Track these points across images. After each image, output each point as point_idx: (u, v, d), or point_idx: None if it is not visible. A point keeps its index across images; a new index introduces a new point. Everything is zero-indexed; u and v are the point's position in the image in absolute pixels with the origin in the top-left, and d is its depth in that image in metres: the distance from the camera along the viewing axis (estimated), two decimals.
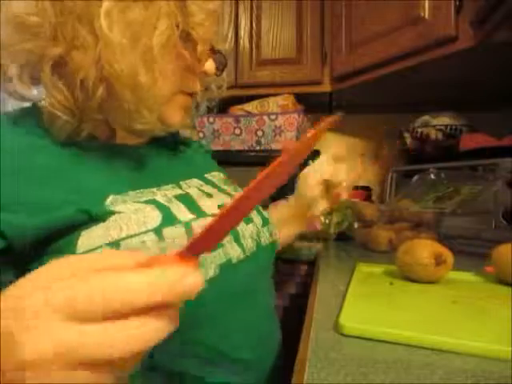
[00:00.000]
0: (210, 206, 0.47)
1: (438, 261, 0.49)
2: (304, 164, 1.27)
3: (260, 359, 0.46)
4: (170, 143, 0.56)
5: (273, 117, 1.33)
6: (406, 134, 1.20)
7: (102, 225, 0.37)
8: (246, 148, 1.39)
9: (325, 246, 0.96)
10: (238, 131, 1.38)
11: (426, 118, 1.16)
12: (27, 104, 0.45)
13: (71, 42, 0.38)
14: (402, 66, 1.03)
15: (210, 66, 0.48)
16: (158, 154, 0.52)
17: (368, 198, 1.38)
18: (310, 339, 0.34)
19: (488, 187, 0.76)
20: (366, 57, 1.11)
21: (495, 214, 0.73)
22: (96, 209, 0.37)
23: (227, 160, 1.34)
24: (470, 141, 0.97)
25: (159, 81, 0.41)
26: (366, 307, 0.40)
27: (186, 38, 0.44)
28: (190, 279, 0.20)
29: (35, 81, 0.41)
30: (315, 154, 1.30)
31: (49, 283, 0.20)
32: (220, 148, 1.41)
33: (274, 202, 1.14)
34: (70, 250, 0.35)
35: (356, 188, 1.39)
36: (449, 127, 1.10)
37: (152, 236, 0.38)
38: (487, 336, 0.33)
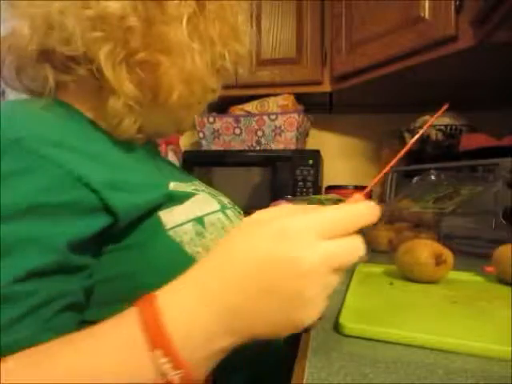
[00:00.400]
0: (225, 200, 0.51)
1: (438, 261, 0.49)
2: (304, 164, 1.27)
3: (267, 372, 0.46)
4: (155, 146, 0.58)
5: (273, 117, 1.33)
6: (406, 134, 1.20)
7: (181, 205, 0.41)
8: (246, 148, 1.39)
9: None
10: (238, 131, 1.38)
11: (426, 118, 1.16)
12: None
13: (159, 47, 0.40)
14: (402, 65, 1.03)
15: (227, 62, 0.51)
16: (158, 156, 0.54)
17: (368, 198, 1.38)
18: (310, 339, 0.34)
19: (488, 187, 0.76)
20: (366, 57, 1.11)
21: (495, 214, 0.73)
22: (170, 192, 0.41)
23: (227, 160, 1.34)
24: (470, 141, 0.97)
25: (214, 80, 0.47)
26: (366, 307, 0.40)
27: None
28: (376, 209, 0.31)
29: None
30: (315, 154, 1.30)
31: (294, 214, 0.29)
32: (220, 148, 1.41)
33: (273, 201, 1.14)
34: (158, 227, 0.38)
35: (356, 188, 1.39)
36: (449, 127, 1.10)
37: (222, 215, 0.44)
38: (487, 336, 0.33)
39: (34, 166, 0.31)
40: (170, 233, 0.38)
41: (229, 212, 0.47)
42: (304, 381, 0.27)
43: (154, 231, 0.38)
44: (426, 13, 0.94)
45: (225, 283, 0.28)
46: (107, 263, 0.36)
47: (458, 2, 0.87)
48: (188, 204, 0.42)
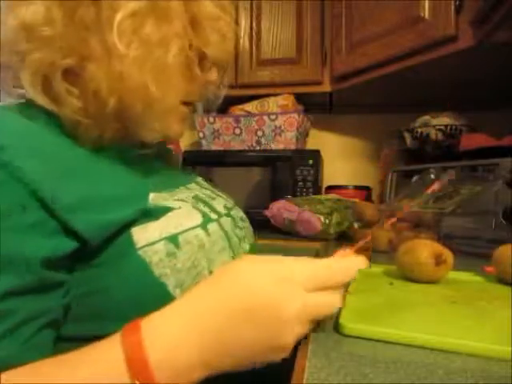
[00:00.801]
0: (219, 206, 0.50)
1: (438, 261, 0.49)
2: (304, 164, 1.27)
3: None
4: (161, 150, 0.56)
5: (273, 117, 1.33)
6: (406, 134, 1.19)
7: (156, 221, 0.39)
8: (246, 148, 1.39)
9: (325, 246, 0.96)
10: (238, 131, 1.38)
11: (425, 117, 1.16)
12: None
13: (82, 54, 0.38)
14: (402, 65, 1.03)
15: (213, 75, 0.48)
16: (156, 160, 0.52)
17: (368, 198, 1.38)
18: (310, 339, 0.34)
19: (488, 187, 0.76)
20: (366, 57, 1.11)
21: (495, 214, 0.73)
22: (148, 208, 0.39)
23: (227, 160, 1.35)
24: (470, 141, 0.97)
25: (169, 94, 0.42)
26: (365, 307, 0.40)
27: (199, 54, 0.44)
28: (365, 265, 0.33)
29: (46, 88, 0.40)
30: (315, 154, 1.30)
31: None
32: (220, 148, 1.41)
33: (273, 201, 1.14)
34: (129, 246, 0.36)
35: (356, 188, 1.39)
36: (449, 127, 1.10)
37: (201, 231, 0.41)
38: (487, 336, 0.33)
39: (2, 181, 0.31)
40: (140, 252, 0.36)
41: (212, 226, 0.43)
42: (304, 381, 0.27)
43: (124, 250, 0.36)
44: (426, 13, 0.94)
45: (208, 311, 0.30)
46: (82, 279, 0.35)
47: (457, 2, 0.87)
48: (163, 220, 0.39)
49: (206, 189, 0.56)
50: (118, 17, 0.37)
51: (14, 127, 0.36)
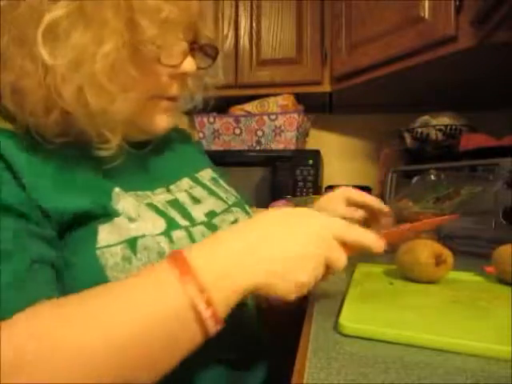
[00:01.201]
0: (199, 213, 0.47)
1: (438, 261, 0.49)
2: (304, 164, 1.27)
3: (247, 359, 0.46)
4: (159, 139, 0.52)
5: (273, 117, 1.33)
6: (406, 134, 1.19)
7: (118, 222, 0.39)
8: (246, 148, 1.39)
9: None
10: (237, 131, 1.38)
11: (425, 118, 1.16)
12: None
13: (16, 71, 0.35)
14: (402, 65, 1.03)
15: (188, 65, 0.45)
16: (146, 153, 0.50)
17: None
18: (310, 339, 0.34)
19: (488, 187, 0.76)
20: (366, 57, 1.11)
21: (495, 214, 0.73)
22: (110, 205, 0.39)
23: (227, 160, 1.34)
24: (470, 141, 0.97)
25: (116, 100, 0.38)
26: (365, 307, 0.40)
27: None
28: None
29: None
30: (315, 154, 1.30)
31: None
32: (220, 148, 1.41)
33: (274, 201, 1.14)
34: (90, 244, 0.37)
35: (356, 188, 1.39)
36: (449, 127, 1.10)
37: (164, 239, 0.40)
38: (487, 336, 0.33)
39: None
40: (98, 252, 0.36)
41: (177, 233, 0.42)
42: (304, 381, 0.27)
43: (84, 246, 0.37)
44: (426, 13, 0.94)
45: (249, 225, 0.36)
46: (56, 259, 0.36)
47: (457, 2, 0.87)
48: (126, 223, 0.39)
49: (202, 186, 0.53)
50: (43, 25, 0.34)
51: None
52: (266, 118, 1.34)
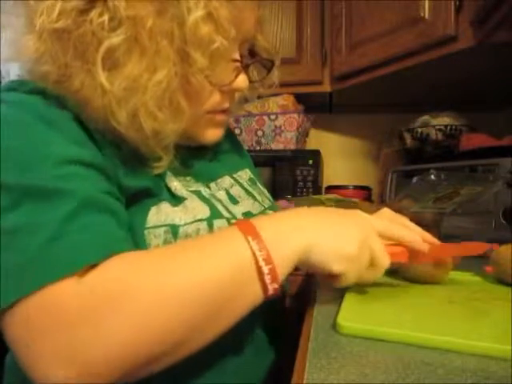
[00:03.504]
0: (237, 212, 0.49)
1: (438, 263, 0.49)
2: (304, 164, 1.27)
3: (248, 361, 0.46)
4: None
5: (273, 117, 1.33)
6: (406, 134, 1.19)
7: (164, 206, 0.41)
8: (246, 148, 1.38)
9: None
10: (237, 131, 1.38)
11: (425, 117, 1.16)
12: None
13: (78, 81, 0.37)
14: (402, 65, 1.03)
15: (241, 83, 0.45)
16: (192, 150, 0.51)
17: (368, 198, 1.38)
18: (309, 339, 0.34)
19: (488, 187, 0.76)
20: (366, 57, 1.12)
21: (495, 214, 0.73)
22: (165, 184, 0.43)
23: None
24: (470, 141, 0.97)
25: (167, 124, 0.40)
26: (365, 307, 0.40)
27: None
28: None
29: None
30: (315, 154, 1.30)
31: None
32: None
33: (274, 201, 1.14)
34: (142, 221, 0.39)
35: (356, 188, 1.39)
36: (449, 127, 1.10)
37: (204, 225, 0.42)
38: (487, 335, 0.33)
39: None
40: (145, 232, 0.39)
41: (219, 222, 0.44)
42: (304, 381, 0.27)
43: (136, 223, 0.39)
44: (426, 13, 0.94)
45: (307, 211, 0.40)
46: None
47: (457, 2, 0.87)
48: (173, 208, 0.41)
49: (240, 186, 0.54)
50: (102, 49, 0.36)
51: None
52: (265, 117, 1.34)
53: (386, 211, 0.54)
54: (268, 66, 0.53)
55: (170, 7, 0.37)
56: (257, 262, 0.33)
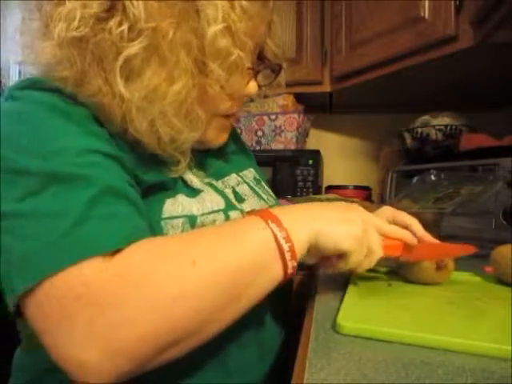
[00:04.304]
0: (243, 211, 0.50)
1: (439, 265, 0.49)
2: (304, 164, 1.27)
3: (261, 357, 0.46)
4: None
5: (273, 117, 1.33)
6: (406, 134, 1.19)
7: (180, 198, 0.42)
8: None
9: None
10: (237, 131, 1.38)
11: (425, 117, 1.16)
12: None
13: (95, 89, 0.38)
14: (402, 65, 1.03)
15: (251, 89, 0.48)
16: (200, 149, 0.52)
17: (368, 198, 1.38)
18: (309, 339, 0.34)
19: (488, 187, 0.76)
20: (366, 57, 1.11)
21: (495, 214, 0.73)
22: (181, 179, 0.44)
23: None
24: (470, 141, 0.97)
25: (183, 132, 0.41)
26: (365, 307, 0.40)
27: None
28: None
29: None
30: (315, 154, 1.30)
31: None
32: None
33: None
34: (158, 212, 0.40)
35: (356, 188, 1.39)
36: (449, 127, 1.10)
37: (221, 216, 0.44)
38: (487, 335, 0.33)
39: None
40: (162, 223, 0.40)
41: (235, 213, 0.46)
42: (304, 381, 0.27)
43: (153, 215, 0.40)
44: (426, 13, 0.94)
45: (309, 204, 0.42)
46: None
47: (458, 2, 0.87)
48: (190, 199, 0.43)
49: (246, 184, 0.56)
50: (121, 59, 0.36)
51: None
52: (265, 117, 1.34)
53: (387, 208, 0.54)
54: (276, 69, 0.54)
55: (189, 20, 0.38)
56: (277, 241, 0.34)
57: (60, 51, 0.37)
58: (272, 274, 0.35)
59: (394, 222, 0.56)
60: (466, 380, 0.27)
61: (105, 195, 0.33)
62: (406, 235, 0.46)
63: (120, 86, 0.37)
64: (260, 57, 0.51)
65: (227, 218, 0.44)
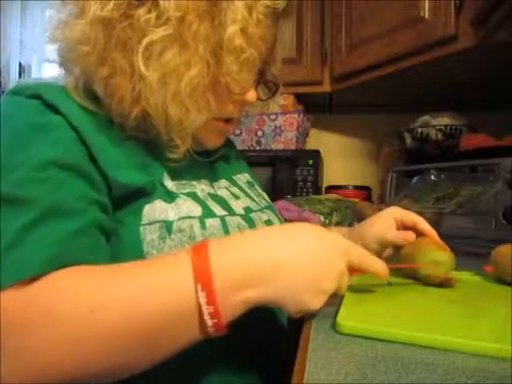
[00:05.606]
0: (238, 207, 0.52)
1: (442, 282, 0.49)
2: (304, 164, 1.27)
3: (261, 357, 0.46)
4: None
5: (273, 117, 1.33)
6: (406, 134, 1.20)
7: (158, 204, 0.42)
8: (246, 148, 1.39)
9: None
10: (237, 131, 1.38)
11: (425, 117, 1.16)
12: None
13: (114, 68, 0.41)
14: (402, 65, 1.03)
15: (251, 96, 0.50)
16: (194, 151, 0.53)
17: (368, 198, 1.38)
18: (309, 339, 0.34)
19: (488, 187, 0.76)
20: (366, 57, 1.12)
21: (495, 214, 0.73)
22: (161, 185, 0.44)
23: None
24: (470, 141, 0.97)
25: (191, 114, 0.44)
26: (365, 307, 0.40)
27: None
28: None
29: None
30: (315, 154, 1.30)
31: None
32: None
33: (274, 201, 1.14)
34: (137, 218, 0.41)
35: (356, 188, 1.39)
36: (449, 127, 1.10)
37: (197, 223, 0.43)
38: (487, 335, 0.33)
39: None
40: (141, 229, 0.40)
41: (211, 221, 0.45)
42: (304, 381, 0.27)
43: (131, 221, 0.40)
44: (426, 13, 0.94)
45: (274, 240, 0.36)
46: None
47: (458, 2, 0.87)
48: (167, 205, 0.43)
49: (238, 187, 0.57)
50: (145, 41, 0.40)
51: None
52: (265, 117, 1.34)
53: (395, 208, 0.53)
54: (273, 89, 0.58)
55: (213, 17, 0.42)
56: (198, 303, 0.31)
57: (90, 29, 0.41)
58: (187, 334, 0.33)
59: (402, 221, 0.57)
60: (465, 380, 0.27)
61: (45, 217, 0.33)
62: (378, 268, 0.41)
63: (141, 64, 0.40)
64: (261, 74, 0.54)
65: (203, 225, 0.44)
